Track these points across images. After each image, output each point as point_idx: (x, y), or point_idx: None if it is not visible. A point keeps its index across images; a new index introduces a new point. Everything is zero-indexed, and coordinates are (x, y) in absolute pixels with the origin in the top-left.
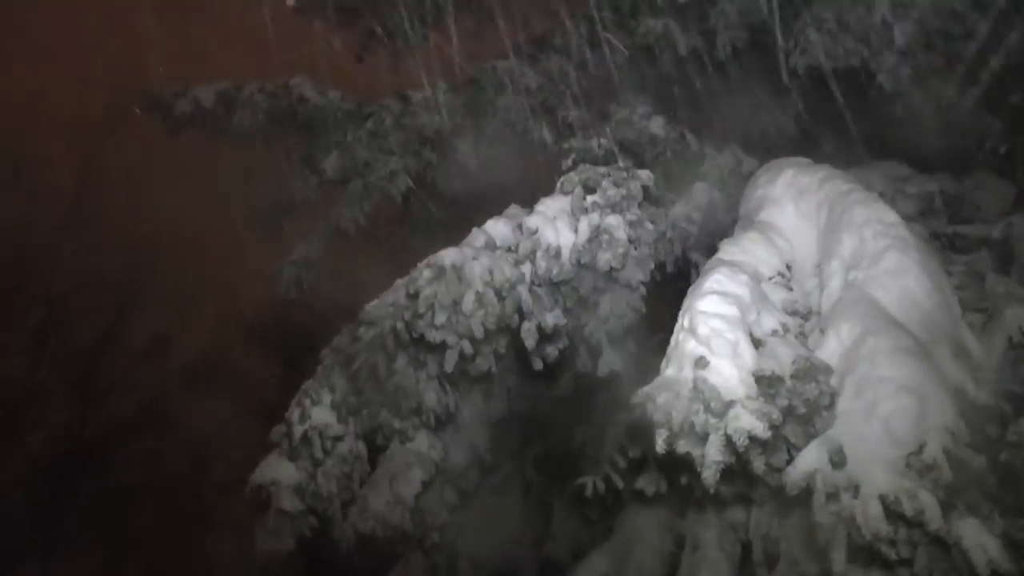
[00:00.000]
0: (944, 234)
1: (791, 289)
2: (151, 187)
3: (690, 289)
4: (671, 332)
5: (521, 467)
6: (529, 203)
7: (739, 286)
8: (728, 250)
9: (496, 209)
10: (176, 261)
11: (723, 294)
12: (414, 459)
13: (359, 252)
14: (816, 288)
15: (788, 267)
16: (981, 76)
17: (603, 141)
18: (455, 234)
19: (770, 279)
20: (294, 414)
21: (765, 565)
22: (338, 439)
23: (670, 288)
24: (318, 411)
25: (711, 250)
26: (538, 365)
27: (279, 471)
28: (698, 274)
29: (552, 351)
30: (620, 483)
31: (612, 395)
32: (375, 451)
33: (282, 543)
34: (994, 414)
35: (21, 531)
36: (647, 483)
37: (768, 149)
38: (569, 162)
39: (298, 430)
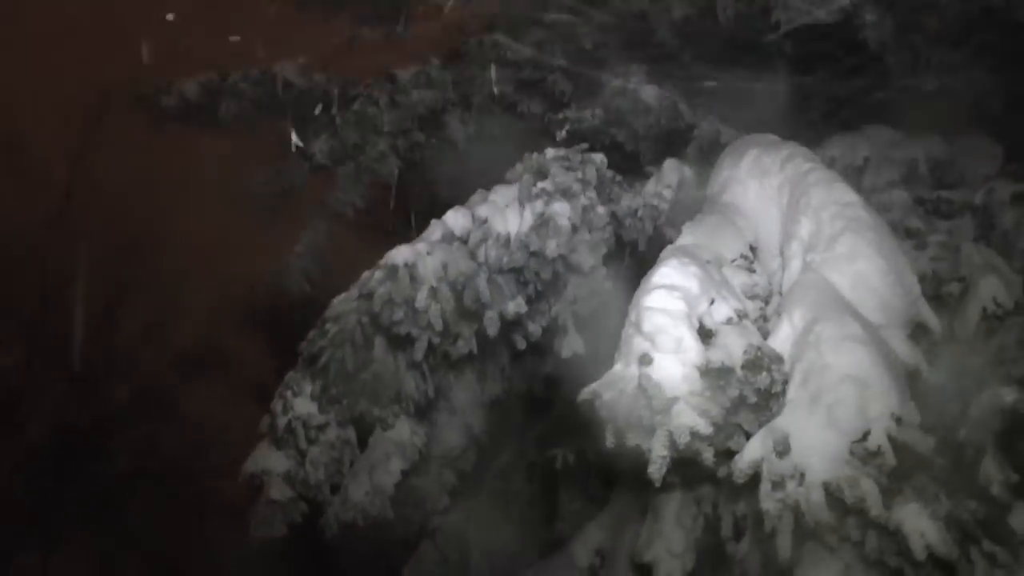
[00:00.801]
0: (928, 200)
1: (753, 271)
2: (142, 178)
3: (642, 281)
4: None
5: (523, 448)
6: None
7: (687, 278)
8: (688, 235)
9: (486, 186)
10: (169, 250)
11: (670, 287)
12: (394, 448)
13: (354, 235)
14: (780, 269)
15: (752, 249)
16: (972, 32)
17: (597, 111)
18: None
19: (732, 262)
20: (278, 405)
21: (734, 540)
22: (321, 428)
23: (642, 267)
24: (300, 402)
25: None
26: (521, 345)
27: (269, 460)
28: None
29: (535, 330)
30: (592, 457)
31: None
32: (364, 436)
33: (274, 530)
34: (954, 392)
35: (21, 519)
36: (617, 462)
37: (756, 118)
38: (563, 133)
39: (282, 421)
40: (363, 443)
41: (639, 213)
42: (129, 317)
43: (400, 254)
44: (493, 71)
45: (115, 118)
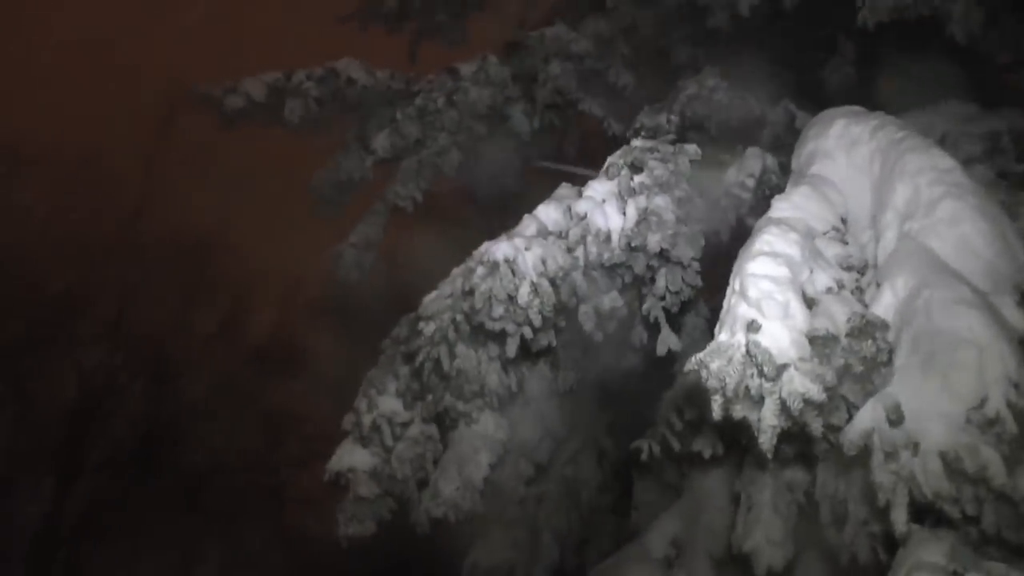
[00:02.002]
0: (1012, 173)
1: (846, 243)
2: (212, 178)
3: (740, 251)
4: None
5: (594, 436)
6: (585, 170)
7: (789, 245)
8: (779, 207)
9: (549, 182)
10: (240, 247)
11: (773, 254)
12: (481, 442)
13: (416, 229)
14: (872, 240)
15: (843, 220)
16: None
17: (672, 117)
18: (508, 209)
19: (824, 234)
20: (361, 403)
21: (834, 526)
22: (406, 424)
23: (726, 257)
24: (384, 400)
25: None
26: (598, 337)
27: (354, 457)
28: None
29: (611, 326)
30: (677, 445)
31: (671, 371)
32: (445, 431)
33: (364, 527)
34: None
35: (111, 509)
36: (703, 445)
37: (826, 100)
38: (639, 139)
39: (367, 419)
40: (444, 441)
41: (722, 203)
42: (204, 314)
43: (500, 249)
44: (554, 64)
45: (184, 121)
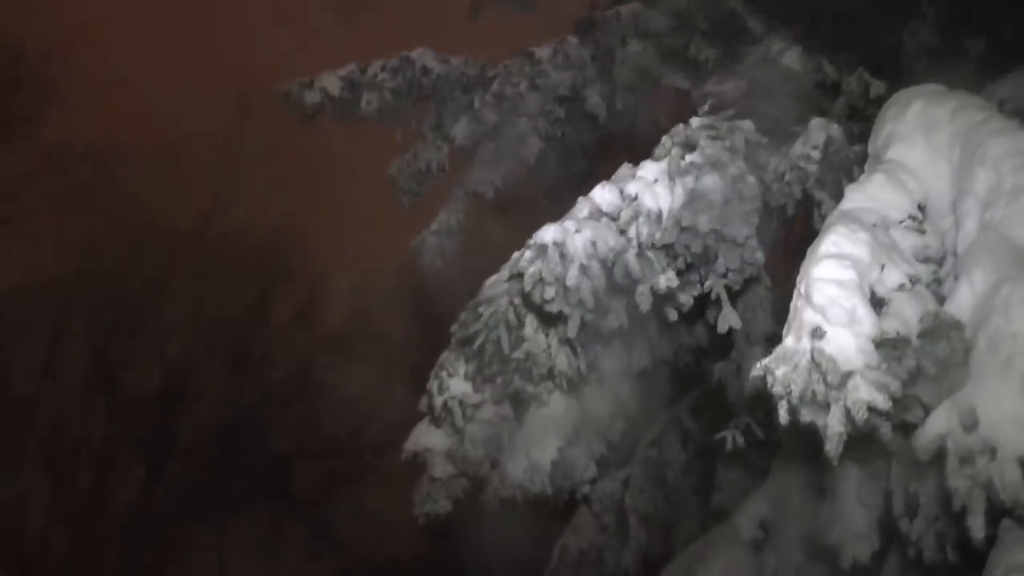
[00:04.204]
0: None
1: (924, 232)
2: (289, 170)
3: (808, 250)
4: (794, 279)
5: (677, 417)
6: None
7: (856, 245)
8: (853, 197)
9: (631, 161)
10: (317, 237)
11: (839, 257)
12: (550, 425)
13: (494, 215)
14: (953, 227)
15: (920, 208)
16: None
17: (739, 83)
18: (589, 190)
19: (900, 223)
20: (433, 385)
21: (907, 517)
22: (477, 407)
23: (794, 231)
24: (455, 382)
25: (834, 186)
26: (672, 316)
27: (430, 438)
28: (821, 215)
29: (686, 301)
30: (761, 435)
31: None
32: (519, 413)
33: (439, 506)
34: None
35: (198, 495)
36: (786, 437)
37: (905, 66)
38: (706, 107)
39: (438, 401)
40: (520, 419)
41: (786, 177)
42: (281, 304)
43: (548, 232)
44: (632, 43)
45: (257, 118)
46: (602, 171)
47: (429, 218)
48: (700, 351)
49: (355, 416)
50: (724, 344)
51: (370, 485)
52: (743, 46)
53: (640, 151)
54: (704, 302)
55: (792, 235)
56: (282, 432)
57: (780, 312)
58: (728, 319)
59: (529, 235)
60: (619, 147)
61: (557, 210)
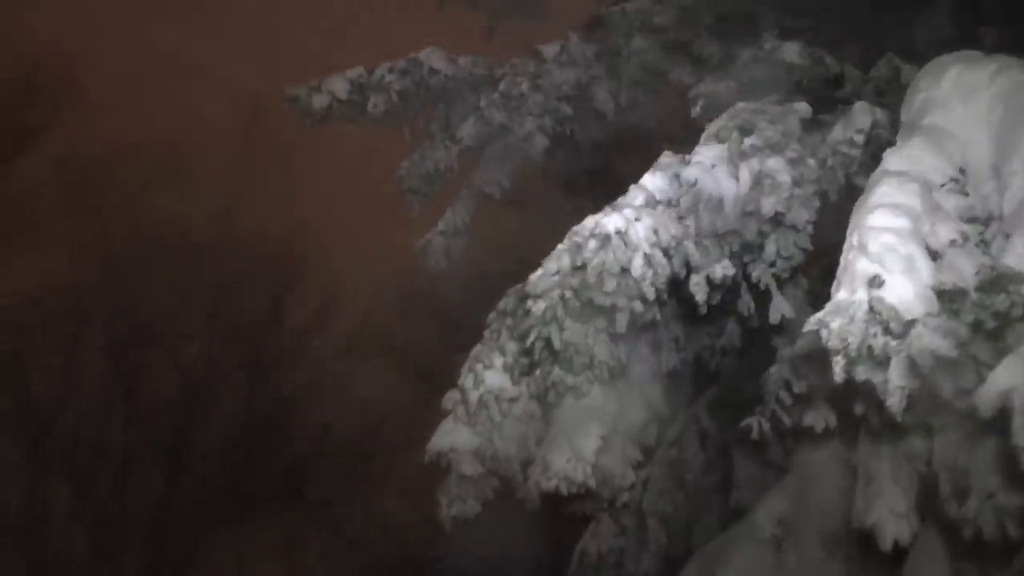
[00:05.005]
0: None
1: (966, 195)
2: (300, 175)
3: (856, 205)
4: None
5: (695, 416)
6: (669, 147)
7: (909, 196)
8: (892, 161)
9: (639, 157)
10: (330, 241)
11: (892, 206)
12: (591, 415)
13: (504, 214)
14: (994, 191)
15: (961, 171)
16: None
17: (731, 84)
18: (598, 187)
19: (942, 186)
20: (467, 380)
21: (954, 498)
22: (513, 400)
23: (835, 218)
24: (491, 375)
25: None
26: (703, 311)
27: (456, 437)
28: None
29: (716, 296)
30: (787, 420)
31: (782, 338)
32: (548, 410)
33: (467, 507)
34: None
35: (216, 498)
36: (815, 418)
37: (918, 57)
38: (698, 109)
39: (473, 395)
40: (546, 419)
41: (829, 163)
42: (296, 308)
43: (611, 221)
44: (638, 39)
45: (269, 123)
46: (612, 169)
47: (435, 220)
48: (725, 349)
49: (371, 418)
50: (752, 339)
51: (386, 486)
52: (748, 41)
53: (650, 147)
54: (732, 296)
55: (832, 224)
56: (298, 435)
57: (817, 303)
58: (780, 308)
59: (541, 233)
60: (628, 144)
61: (569, 208)
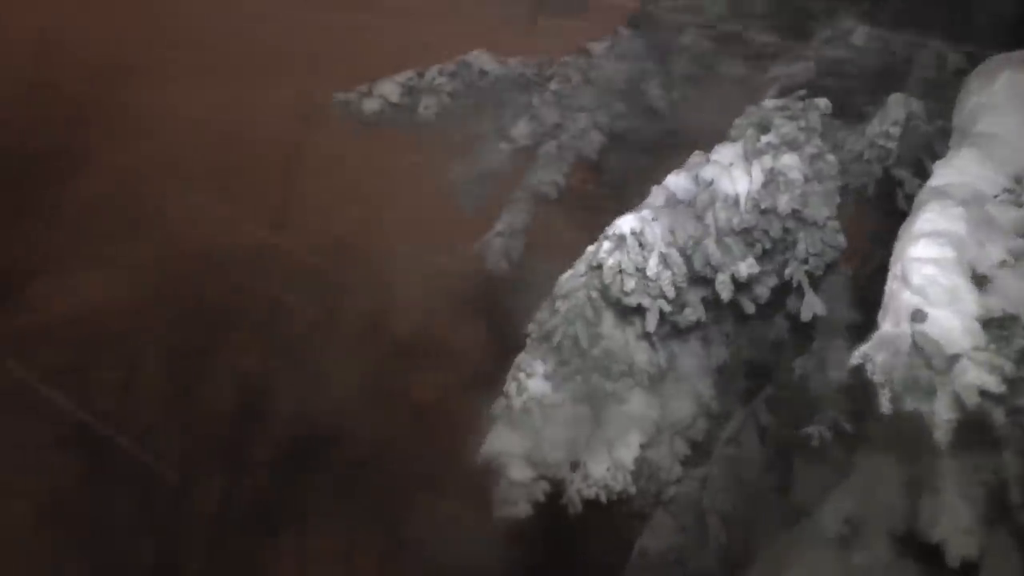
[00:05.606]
0: None
1: (1022, 205)
2: (352, 182)
3: (900, 230)
4: (874, 260)
5: (754, 413)
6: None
7: (952, 221)
8: (941, 173)
9: (694, 150)
10: (384, 245)
11: (935, 234)
12: (631, 422)
13: (558, 214)
14: None
15: (1017, 181)
16: None
17: (808, 64)
18: (650, 186)
19: (995, 197)
20: (511, 387)
21: None
22: (556, 406)
23: (874, 212)
24: (533, 383)
25: (916, 165)
26: (749, 309)
27: (506, 442)
28: (904, 194)
29: (763, 292)
30: (848, 428)
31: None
32: (598, 412)
33: (518, 510)
34: None
35: (276, 505)
36: (875, 430)
37: (979, 38)
38: (774, 91)
39: (517, 402)
40: (599, 418)
41: (865, 156)
42: (349, 314)
43: (626, 222)
44: (690, 32)
45: (322, 127)
46: (665, 166)
47: (493, 222)
48: (777, 344)
49: (425, 424)
50: (802, 336)
51: (443, 491)
52: (806, 27)
53: (702, 143)
54: (783, 292)
55: (870, 218)
56: (355, 442)
57: (860, 299)
58: (812, 306)
59: (595, 235)
60: (681, 140)
61: (622, 207)
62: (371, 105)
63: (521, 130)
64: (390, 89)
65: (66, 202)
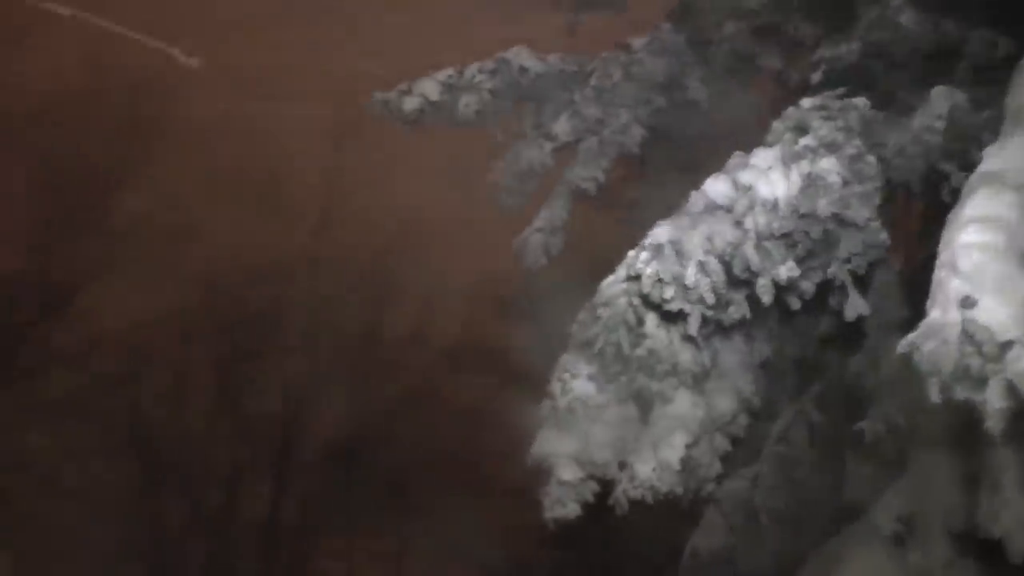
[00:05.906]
0: None
1: None
2: (394, 184)
3: (948, 217)
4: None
5: (804, 411)
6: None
7: (1003, 207)
8: (992, 159)
9: (731, 149)
10: (426, 250)
11: (984, 220)
12: (676, 422)
13: (599, 211)
14: None
15: None
16: None
17: (854, 46)
18: (692, 181)
19: None
20: (556, 388)
21: None
22: (602, 407)
23: (920, 207)
24: (578, 383)
25: (961, 158)
26: (795, 305)
27: (554, 443)
28: (950, 189)
29: (808, 288)
30: (902, 423)
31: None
32: (644, 412)
33: (567, 509)
34: None
35: (324, 508)
36: (926, 423)
37: None
38: (819, 74)
39: (562, 402)
40: (644, 420)
41: (908, 151)
42: (393, 318)
43: (663, 232)
44: (728, 24)
45: (363, 129)
46: (706, 160)
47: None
48: (825, 341)
49: (472, 426)
50: (851, 333)
51: (490, 493)
52: (850, 13)
53: (743, 136)
54: (827, 289)
55: (916, 213)
56: (402, 445)
57: (911, 296)
58: (856, 307)
59: (635, 231)
60: (722, 135)
61: (662, 206)
62: (411, 103)
63: (562, 127)
64: (430, 87)
65: (115, 214)
